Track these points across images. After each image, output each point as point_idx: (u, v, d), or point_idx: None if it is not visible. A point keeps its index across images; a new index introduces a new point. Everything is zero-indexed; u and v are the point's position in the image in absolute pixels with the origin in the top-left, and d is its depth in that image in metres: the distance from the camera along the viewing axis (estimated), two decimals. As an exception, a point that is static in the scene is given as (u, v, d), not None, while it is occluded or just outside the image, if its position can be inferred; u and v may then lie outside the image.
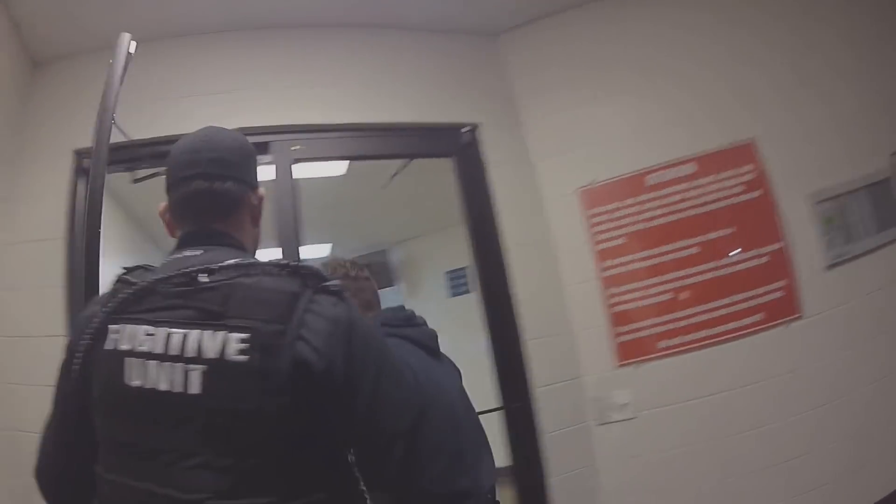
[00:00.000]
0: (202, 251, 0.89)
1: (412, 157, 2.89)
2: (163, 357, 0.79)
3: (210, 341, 0.78)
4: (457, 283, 5.28)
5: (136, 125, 2.20)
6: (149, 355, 0.80)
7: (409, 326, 1.27)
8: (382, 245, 5.36)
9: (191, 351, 0.78)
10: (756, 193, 2.38)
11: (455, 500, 0.85)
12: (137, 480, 0.78)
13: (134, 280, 0.87)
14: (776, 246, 2.34)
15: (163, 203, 0.98)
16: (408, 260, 5.57)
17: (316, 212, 3.09)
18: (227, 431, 0.76)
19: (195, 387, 0.77)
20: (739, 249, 2.36)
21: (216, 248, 0.90)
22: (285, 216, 2.33)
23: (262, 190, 1.01)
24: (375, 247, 5.30)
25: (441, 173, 2.82)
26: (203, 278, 0.82)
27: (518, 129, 2.67)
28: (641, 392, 2.36)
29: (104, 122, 1.53)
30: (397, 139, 2.59)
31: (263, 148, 2.38)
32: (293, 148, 2.41)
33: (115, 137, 2.03)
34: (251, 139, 2.40)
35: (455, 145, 2.60)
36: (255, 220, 1.01)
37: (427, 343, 1.07)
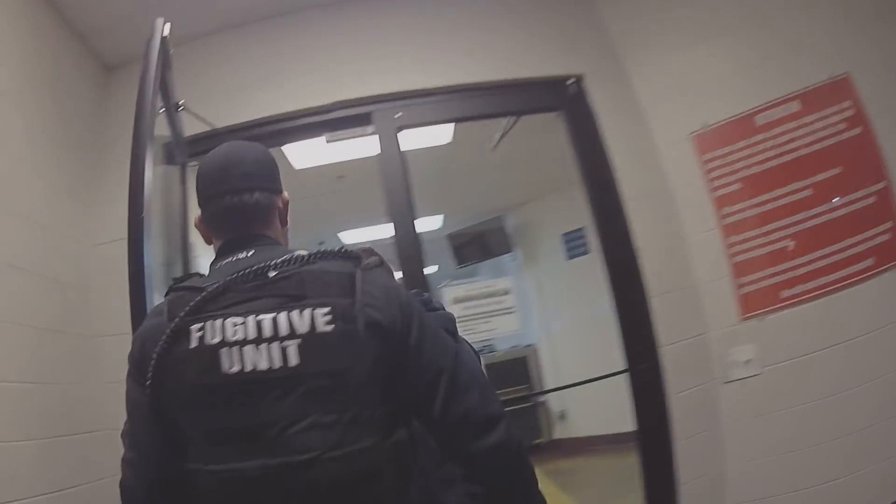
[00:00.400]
0: (252, 252, 1.02)
1: (518, 113, 2.80)
2: (258, 340, 0.90)
3: (299, 319, 0.91)
4: (574, 244, 5.13)
5: (232, 111, 2.31)
6: (243, 342, 0.90)
7: (427, 311, 1.30)
8: (495, 212, 5.30)
9: (284, 330, 0.90)
10: (857, 131, 2.21)
11: (490, 421, 0.97)
12: (247, 461, 0.87)
13: (195, 286, 0.97)
14: (881, 185, 2.16)
15: (197, 216, 1.10)
16: (522, 225, 5.49)
17: (424, 183, 3.11)
18: (326, 391, 0.89)
19: (294, 359, 0.89)
20: (838, 197, 2.21)
21: (262, 247, 1.03)
22: (395, 188, 2.33)
23: (286, 194, 1.13)
24: (488, 214, 5.26)
25: (548, 132, 2.71)
26: (271, 273, 0.95)
27: (623, 78, 2.52)
28: (765, 346, 2.21)
29: (142, 109, 1.52)
30: (501, 97, 2.51)
31: (366, 119, 2.40)
32: (396, 116, 2.39)
33: (195, 128, 2.12)
34: (353, 111, 2.43)
35: (562, 98, 2.48)
36: (283, 221, 1.14)
37: (446, 326, 1.12)
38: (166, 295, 1.00)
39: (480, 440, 0.95)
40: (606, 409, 4.42)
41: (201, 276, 1.05)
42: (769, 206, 2.27)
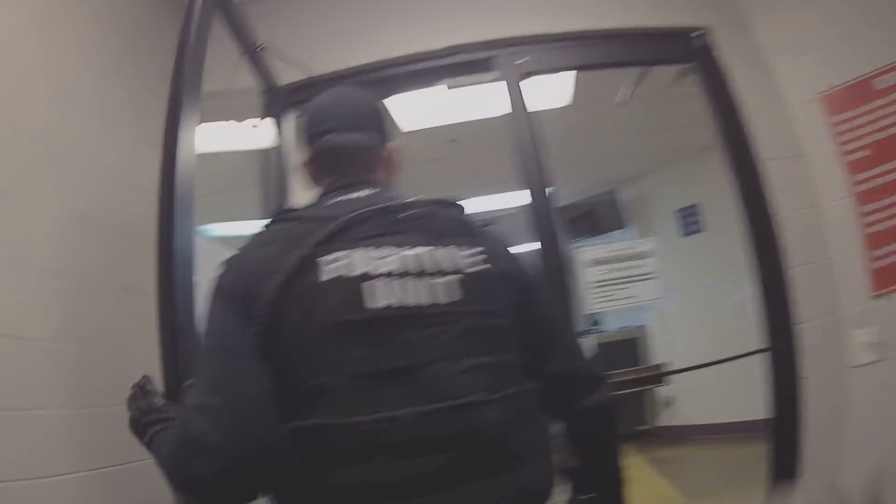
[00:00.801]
0: (367, 192, 0.95)
1: (647, 64, 2.65)
2: (417, 274, 0.83)
3: (459, 254, 0.87)
4: (688, 221, 4.83)
5: (336, 57, 2.22)
6: (399, 274, 0.83)
7: None
8: (609, 184, 5.08)
9: (446, 265, 0.86)
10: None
11: (597, 381, 0.99)
12: (401, 407, 0.77)
13: (311, 216, 0.90)
14: None
15: (300, 156, 1.05)
16: (636, 199, 5.22)
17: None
18: (484, 332, 0.86)
19: (456, 294, 0.85)
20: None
21: (373, 189, 0.97)
22: (524, 146, 2.20)
23: (394, 143, 1.07)
24: (602, 187, 5.05)
25: (666, 99, 2.53)
26: (402, 214, 0.90)
27: (749, 31, 2.31)
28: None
29: (184, 48, 1.35)
30: (628, 46, 2.34)
31: (487, 64, 2.30)
32: (519, 62, 2.27)
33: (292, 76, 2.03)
34: (472, 56, 2.34)
35: (690, 51, 2.28)
36: (390, 169, 1.06)
37: None
38: (269, 225, 0.92)
39: (588, 397, 0.96)
40: (716, 397, 4.19)
41: (310, 206, 0.97)
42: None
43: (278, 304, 0.79)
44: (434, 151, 4.03)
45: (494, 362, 0.85)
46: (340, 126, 1.01)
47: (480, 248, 0.90)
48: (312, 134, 1.03)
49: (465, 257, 0.88)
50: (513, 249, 0.99)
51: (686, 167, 4.69)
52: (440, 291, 0.84)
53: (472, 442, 0.79)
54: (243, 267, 0.85)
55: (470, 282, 0.86)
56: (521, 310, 0.92)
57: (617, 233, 5.10)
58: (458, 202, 0.98)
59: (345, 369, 0.79)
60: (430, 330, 0.82)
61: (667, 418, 5.04)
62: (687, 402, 4.88)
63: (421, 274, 0.83)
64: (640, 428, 4.89)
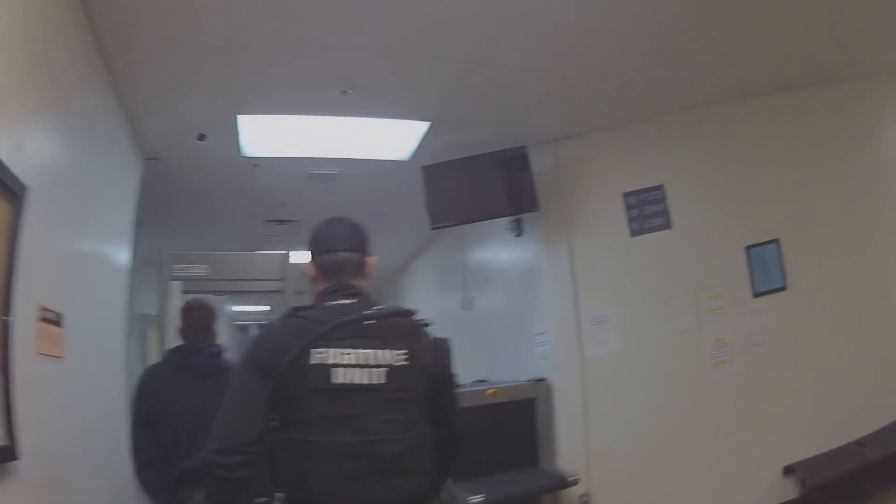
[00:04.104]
0: (355, 300, 1.50)
1: None
2: (361, 366, 1.41)
3: (387, 355, 1.44)
4: (644, 212, 3.77)
5: None
6: (351, 365, 1.40)
7: None
8: (516, 139, 3.90)
9: (378, 361, 1.43)
10: None
11: (461, 438, 1.64)
12: (343, 437, 1.38)
13: (312, 318, 1.46)
14: None
15: (308, 266, 1.60)
16: (557, 170, 4.18)
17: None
18: (398, 401, 1.44)
19: (381, 379, 1.43)
20: None
21: (359, 297, 1.53)
22: None
23: (373, 258, 1.63)
24: (504, 140, 3.92)
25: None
26: (369, 322, 1.45)
27: None
28: None
29: None
30: None
31: None
32: None
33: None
34: None
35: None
36: (368, 275, 1.61)
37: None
38: (288, 318, 1.49)
39: (456, 430, 1.63)
40: (661, 483, 3.32)
41: (314, 308, 1.51)
42: None
43: (286, 373, 1.38)
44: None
45: (401, 418, 1.44)
46: (344, 247, 1.57)
47: (406, 351, 1.46)
48: (323, 250, 1.58)
49: (395, 356, 1.44)
50: (437, 346, 1.56)
51: (645, 130, 3.78)
52: (374, 376, 1.42)
53: (382, 459, 1.40)
54: (267, 347, 1.44)
55: (393, 371, 1.43)
56: (430, 388, 1.51)
57: (527, 217, 4.02)
58: (410, 310, 1.55)
59: (317, 412, 1.39)
60: (366, 397, 1.41)
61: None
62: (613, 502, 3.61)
63: (366, 365, 1.41)
64: None
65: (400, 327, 1.48)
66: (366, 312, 1.44)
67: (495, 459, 3.42)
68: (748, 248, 3.55)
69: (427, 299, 6.79)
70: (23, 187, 1.74)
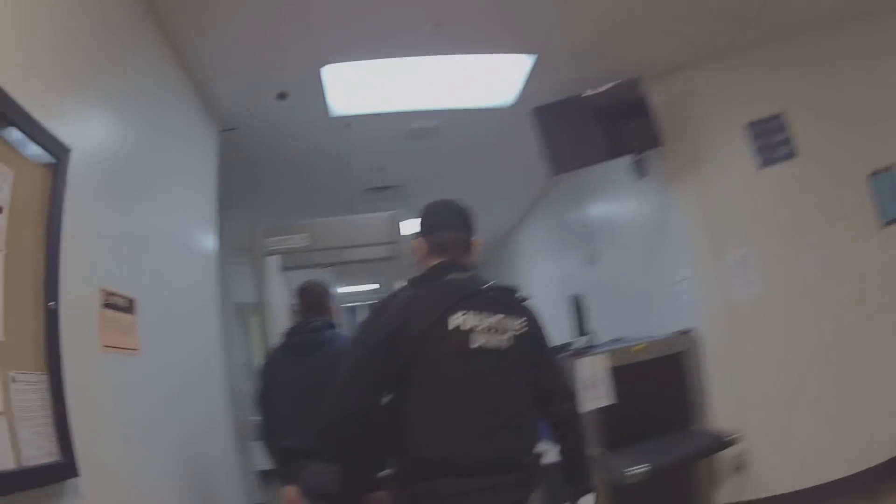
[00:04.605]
0: (469, 275, 1.57)
1: None
2: (494, 331, 1.51)
3: (512, 322, 1.55)
4: (767, 142, 3.45)
5: None
6: (486, 330, 1.49)
7: None
8: (627, 74, 3.63)
9: (506, 328, 1.53)
10: None
11: (573, 394, 1.71)
12: (478, 397, 1.45)
13: (445, 287, 1.52)
14: None
15: (417, 242, 1.65)
16: (672, 104, 3.68)
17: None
18: (521, 363, 1.55)
19: (510, 343, 1.53)
20: None
21: (473, 273, 1.59)
22: None
23: (479, 240, 1.70)
24: (615, 75, 3.57)
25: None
26: (492, 293, 1.57)
27: None
28: None
29: None
30: None
31: None
32: None
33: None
34: None
35: None
36: (474, 254, 1.68)
37: None
38: (415, 286, 1.56)
39: (567, 403, 1.68)
40: (815, 444, 2.99)
41: (433, 279, 1.57)
42: None
43: (423, 337, 1.44)
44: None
45: (520, 379, 1.55)
46: (455, 225, 1.65)
47: (525, 319, 1.58)
48: (434, 227, 1.65)
49: (516, 324, 1.55)
50: (538, 320, 1.65)
51: (757, 58, 3.45)
52: (504, 341, 1.52)
53: (510, 416, 1.50)
54: (402, 314, 1.48)
55: (516, 338, 1.54)
56: (532, 352, 1.60)
57: (647, 155, 3.60)
58: (512, 287, 1.67)
59: (454, 374, 1.46)
60: (497, 360, 1.50)
61: (737, 491, 3.28)
62: (771, 459, 3.24)
63: (497, 331, 1.51)
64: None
65: (511, 300, 1.62)
66: (485, 286, 1.56)
67: (645, 423, 3.09)
68: (872, 174, 3.27)
69: (544, 261, 6.46)
70: (65, 149, 1.45)
